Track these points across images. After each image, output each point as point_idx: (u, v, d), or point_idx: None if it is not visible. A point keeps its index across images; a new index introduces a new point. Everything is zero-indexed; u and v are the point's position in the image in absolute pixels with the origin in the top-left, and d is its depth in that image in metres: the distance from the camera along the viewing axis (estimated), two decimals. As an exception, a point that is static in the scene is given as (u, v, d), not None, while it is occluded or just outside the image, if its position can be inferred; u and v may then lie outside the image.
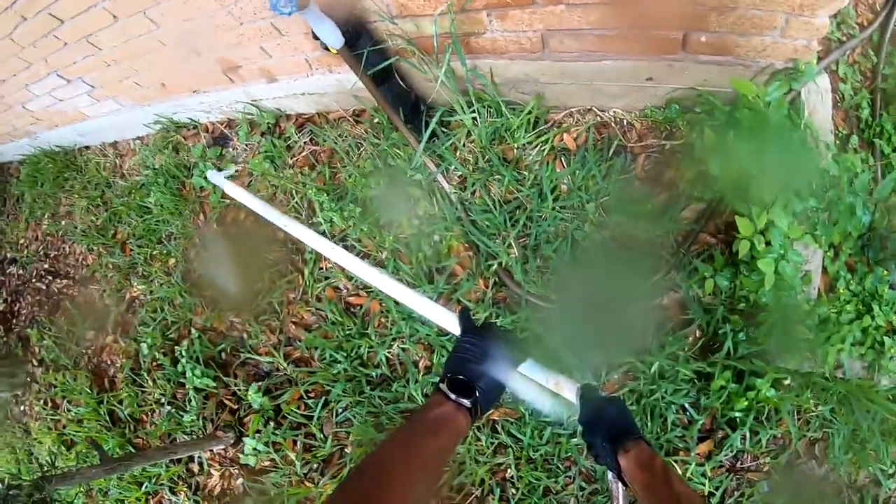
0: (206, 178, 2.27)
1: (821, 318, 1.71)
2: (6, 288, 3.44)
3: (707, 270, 1.73)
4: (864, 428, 1.73)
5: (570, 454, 1.86)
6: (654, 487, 0.86)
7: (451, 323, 1.22)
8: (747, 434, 1.79)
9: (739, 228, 1.52)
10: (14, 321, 3.27)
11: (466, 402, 0.88)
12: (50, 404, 2.82)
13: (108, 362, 2.55)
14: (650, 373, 1.79)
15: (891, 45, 1.94)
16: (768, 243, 1.51)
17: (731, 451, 1.82)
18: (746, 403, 1.72)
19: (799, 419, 1.81)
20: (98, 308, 2.69)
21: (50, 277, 3.03)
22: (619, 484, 1.11)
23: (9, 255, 3.51)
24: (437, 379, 0.96)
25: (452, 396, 0.88)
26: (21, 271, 3.31)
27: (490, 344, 0.98)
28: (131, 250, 2.55)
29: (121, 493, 2.41)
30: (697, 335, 1.82)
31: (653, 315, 1.85)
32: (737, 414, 1.76)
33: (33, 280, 3.17)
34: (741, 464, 1.86)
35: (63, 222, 3.05)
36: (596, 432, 1.00)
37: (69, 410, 2.67)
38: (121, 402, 2.42)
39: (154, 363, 2.30)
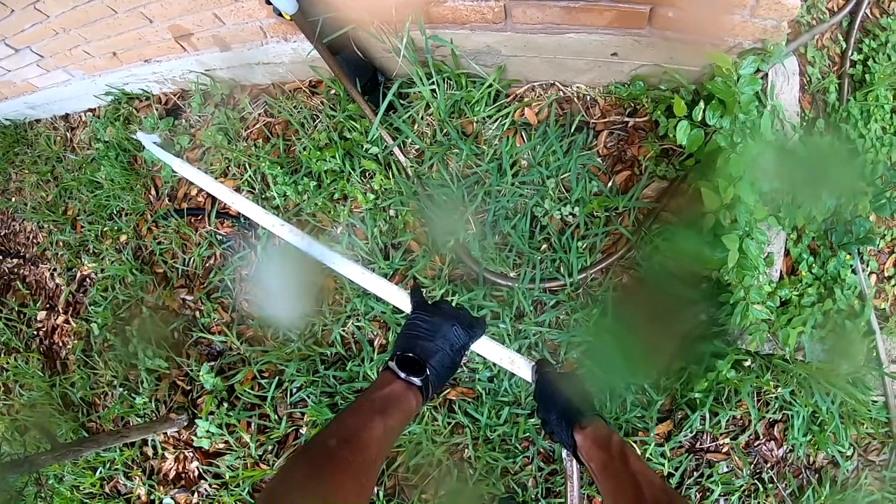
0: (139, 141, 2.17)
1: (782, 301, 1.69)
2: (-43, 270, 3.30)
3: (669, 248, 1.70)
4: (824, 410, 1.77)
5: (528, 434, 1.84)
6: (611, 466, 0.84)
7: (403, 300, 1.17)
8: (707, 415, 1.79)
9: (705, 202, 1.48)
10: (-35, 303, 3.15)
11: (416, 380, 0.85)
12: (2, 389, 2.73)
13: (60, 344, 2.46)
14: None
15: (859, 33, 1.92)
16: (734, 221, 1.47)
17: (691, 432, 1.82)
18: (706, 384, 1.71)
19: (759, 401, 1.81)
20: (49, 288, 2.59)
21: (0, 257, 2.91)
22: (574, 462, 1.07)
23: (-41, 235, 3.37)
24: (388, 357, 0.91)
25: (402, 375, 0.85)
26: (-29, 252, 3.18)
27: (442, 321, 0.94)
28: (82, 227, 2.44)
29: (75, 478, 2.34)
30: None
31: (614, 293, 1.82)
32: (696, 395, 1.76)
33: (-16, 261, 3.04)
34: (700, 444, 1.86)
35: (13, 199, 2.91)
36: (551, 408, 0.97)
37: (21, 395, 2.57)
38: (73, 386, 2.34)
39: (105, 344, 2.22)
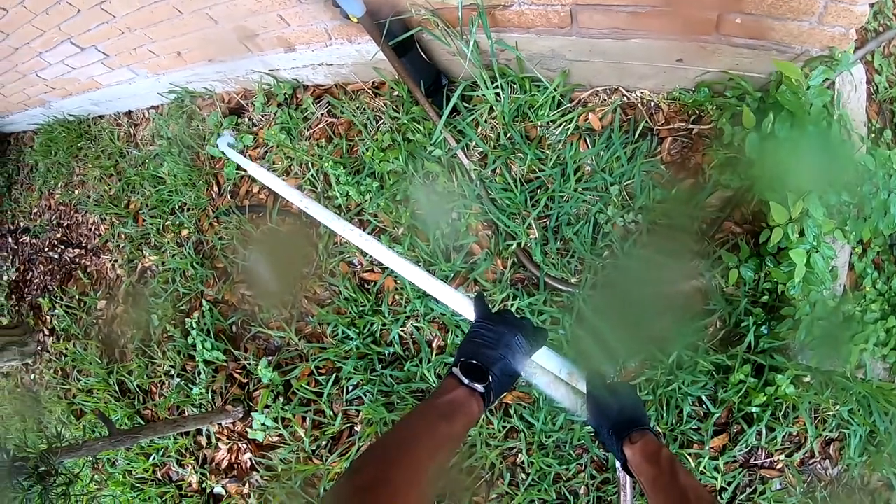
0: (216, 145, 2.23)
1: (845, 316, 1.64)
2: (19, 257, 3.44)
3: (732, 260, 1.67)
4: (882, 431, 1.70)
5: (582, 442, 1.82)
6: (660, 480, 0.84)
7: (466, 307, 1.18)
8: (763, 430, 1.74)
9: (774, 215, 1.45)
10: (26, 290, 3.27)
11: (480, 387, 0.87)
12: (60, 373, 2.82)
13: (119, 333, 2.54)
14: (668, 363, 1.74)
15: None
16: (801, 233, 1.44)
17: (746, 447, 1.77)
18: (764, 399, 1.67)
19: (816, 418, 1.76)
20: (110, 278, 2.67)
21: (62, 247, 3.01)
22: (627, 476, 1.07)
23: (22, 225, 3.50)
24: (451, 362, 0.94)
25: (465, 381, 0.87)
26: (34, 240, 3.30)
27: (505, 330, 0.95)
28: (144, 221, 2.52)
29: (128, 463, 2.40)
30: (718, 326, 1.77)
31: (675, 302, 1.79)
32: (754, 409, 1.72)
33: (46, 249, 3.16)
34: (755, 460, 1.81)
35: (76, 192, 3.02)
36: (602, 421, 0.98)
37: (79, 380, 2.66)
38: (130, 374, 2.41)
39: (164, 335, 2.27)
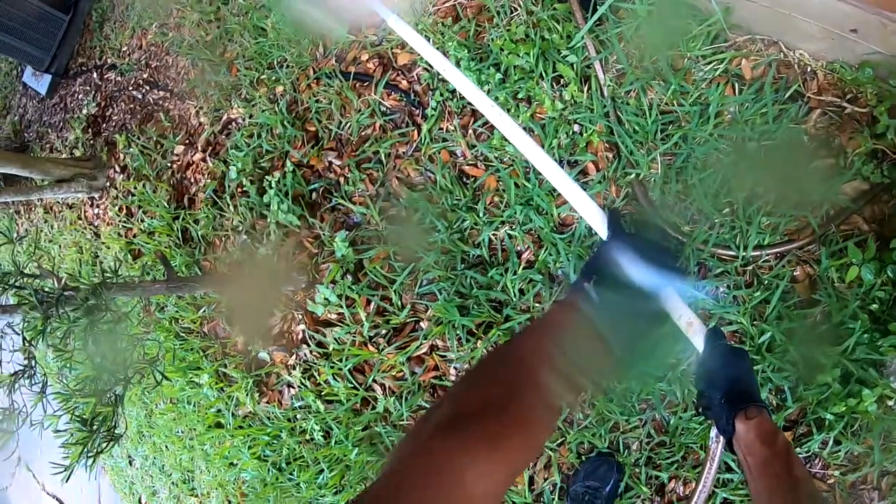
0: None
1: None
2: (101, 92, 3.41)
3: (856, 256, 1.49)
4: None
5: (650, 398, 1.70)
6: (774, 465, 0.77)
7: (596, 220, 1.01)
8: (830, 440, 1.61)
9: None
10: (104, 125, 3.25)
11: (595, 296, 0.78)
12: (124, 212, 2.81)
13: (192, 180, 2.48)
14: (758, 342, 1.59)
15: None
16: None
17: (807, 452, 1.63)
18: (843, 409, 1.52)
19: (884, 445, 1.62)
20: (192, 124, 2.60)
21: (147, 87, 2.95)
22: (720, 446, 0.95)
23: (109, 61, 3.45)
24: (577, 276, 0.85)
25: (597, 300, 0.77)
26: (119, 78, 3.25)
27: (641, 257, 0.84)
28: (238, 71, 2.40)
29: (177, 311, 2.39)
30: (819, 319, 1.60)
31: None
32: (829, 416, 1.57)
33: (130, 88, 3.10)
34: (811, 467, 1.68)
35: (171, 34, 2.92)
36: (716, 386, 0.88)
37: (143, 221, 2.64)
38: (196, 222, 2.36)
39: (240, 189, 2.19)
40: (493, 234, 1.74)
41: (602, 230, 0.96)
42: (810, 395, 1.61)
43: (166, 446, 2.69)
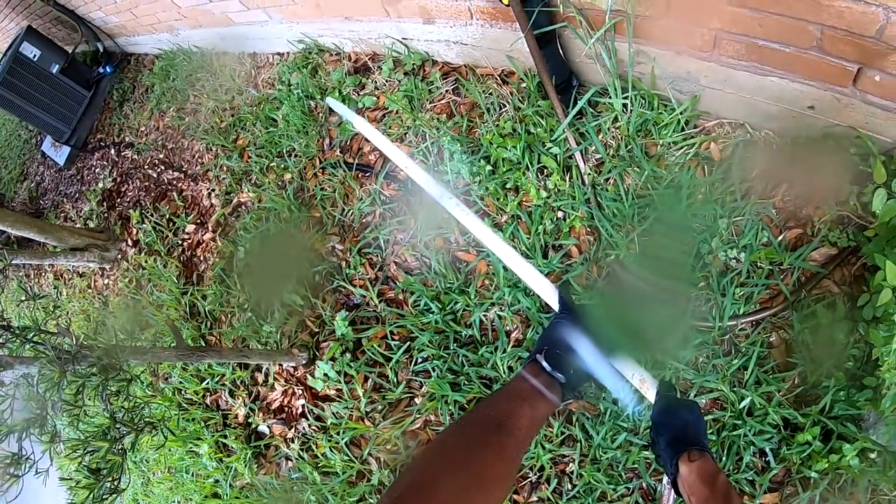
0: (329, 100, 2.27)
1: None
2: (118, 168, 3.61)
3: (826, 318, 1.60)
4: None
5: (636, 466, 1.77)
6: (712, 502, 0.82)
7: (550, 295, 1.14)
8: (816, 498, 1.66)
9: (887, 275, 1.38)
10: (119, 200, 3.43)
11: (561, 376, 0.89)
12: (134, 284, 2.94)
13: (201, 258, 2.62)
14: (738, 407, 1.68)
15: None
16: None
17: None
18: (826, 465, 1.58)
19: (871, 498, 1.66)
20: (203, 205, 2.77)
21: (162, 167, 3.15)
22: (672, 491, 1.04)
23: (127, 139, 3.68)
24: (526, 357, 0.97)
25: (548, 368, 0.89)
26: (136, 156, 3.47)
27: (586, 326, 0.97)
28: (249, 157, 2.60)
29: (181, 382, 2.47)
30: (796, 382, 1.70)
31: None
32: (813, 474, 1.63)
33: (146, 167, 3.30)
34: None
35: (187, 119, 3.15)
36: (663, 431, 0.96)
37: (152, 293, 2.76)
38: (204, 298, 2.48)
39: (247, 269, 2.33)
40: (484, 315, 1.86)
41: (554, 303, 1.08)
42: (793, 454, 1.67)
43: (162, 516, 2.71)
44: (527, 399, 0.84)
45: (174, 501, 2.65)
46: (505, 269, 1.86)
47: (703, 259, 1.78)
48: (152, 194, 3.11)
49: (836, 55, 1.36)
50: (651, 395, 1.10)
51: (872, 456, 1.59)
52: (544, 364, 0.90)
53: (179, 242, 2.76)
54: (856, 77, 1.38)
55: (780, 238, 1.72)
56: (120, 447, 1.78)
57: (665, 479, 1.03)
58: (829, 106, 1.52)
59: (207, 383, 2.35)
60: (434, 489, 0.65)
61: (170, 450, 2.49)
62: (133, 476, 2.93)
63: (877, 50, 1.27)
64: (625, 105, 1.84)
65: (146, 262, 2.84)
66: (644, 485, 1.77)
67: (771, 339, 1.73)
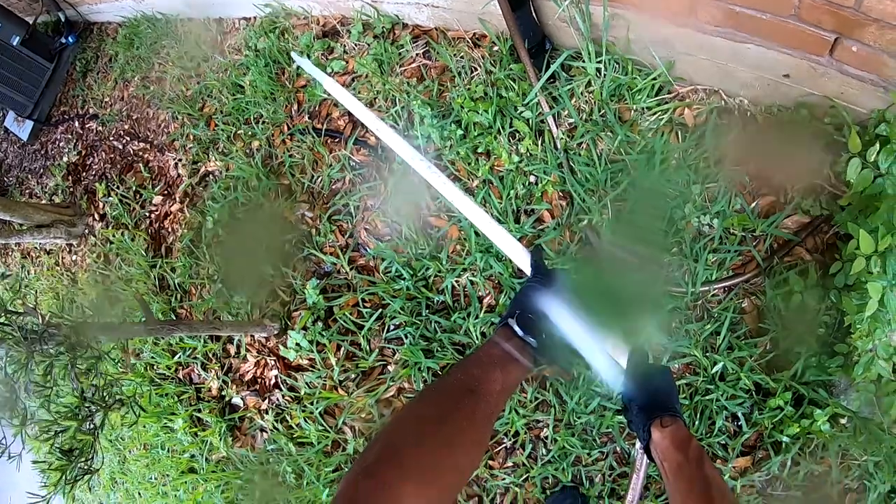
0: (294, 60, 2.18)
1: (896, 367, 1.59)
2: (83, 141, 3.49)
3: (799, 285, 1.61)
4: None
5: (610, 430, 1.79)
6: (686, 469, 0.82)
7: (522, 259, 1.12)
8: (788, 462, 1.69)
9: (860, 244, 1.39)
10: (84, 174, 3.32)
11: (533, 341, 0.88)
12: (102, 259, 2.86)
13: (169, 230, 2.56)
14: (711, 372, 1.70)
15: None
16: (882, 270, 1.38)
17: (767, 475, 1.71)
18: (798, 430, 1.62)
19: (841, 463, 1.71)
20: (170, 176, 2.69)
21: (128, 138, 3.05)
22: (645, 457, 1.04)
23: (91, 111, 3.55)
24: (499, 320, 0.95)
25: (520, 333, 0.88)
26: (100, 128, 3.35)
27: (561, 288, 0.95)
28: (216, 125, 2.52)
29: (153, 357, 2.43)
30: (768, 348, 1.72)
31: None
32: (784, 438, 1.67)
33: (111, 138, 3.20)
34: (772, 490, 1.76)
35: (152, 87, 3.04)
36: (636, 396, 0.95)
37: (120, 268, 2.69)
38: (173, 270, 2.43)
39: (216, 239, 2.28)
40: (456, 281, 1.85)
41: (526, 267, 1.07)
42: (765, 419, 1.70)
43: (139, 493, 2.68)
44: (498, 364, 0.83)
45: (151, 478, 2.63)
46: (477, 234, 1.84)
47: (676, 225, 1.78)
48: (118, 166, 3.01)
49: (813, 24, 1.35)
50: (623, 361, 1.09)
51: (843, 421, 1.63)
52: (516, 328, 0.88)
53: (147, 215, 2.68)
54: (832, 47, 1.37)
55: (753, 205, 1.73)
56: (90, 426, 1.74)
57: (638, 444, 1.03)
58: (804, 75, 1.52)
59: (179, 357, 2.31)
60: (406, 455, 0.64)
61: (144, 426, 2.46)
62: (110, 455, 2.91)
63: (855, 20, 1.26)
64: (598, 69, 1.81)
65: (114, 236, 2.76)
66: (618, 449, 1.79)
67: (743, 305, 1.75)
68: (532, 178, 1.90)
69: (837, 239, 1.59)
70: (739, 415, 1.72)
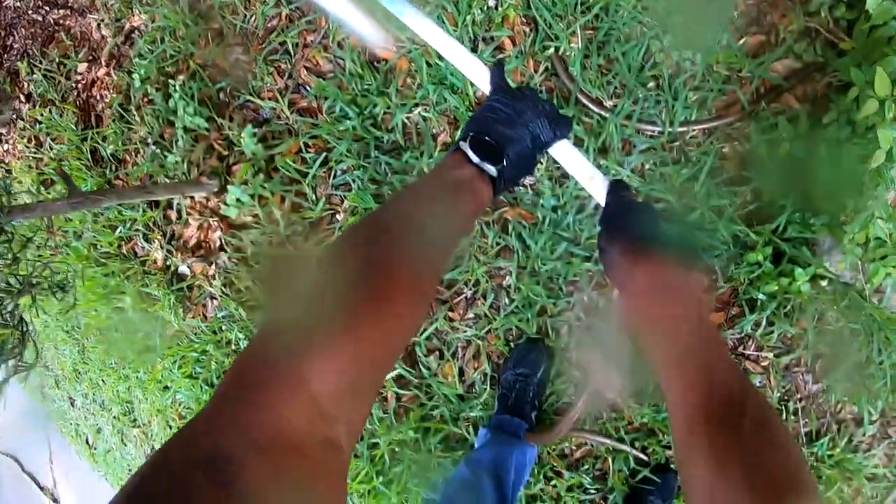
0: None
1: (890, 233, 1.49)
2: (0, 23, 3.13)
3: (788, 132, 1.47)
4: (875, 362, 1.59)
5: (578, 279, 1.69)
6: (686, 321, 0.65)
7: (480, 75, 0.94)
8: (763, 321, 1.62)
9: (877, 85, 1.23)
10: (5, 56, 2.99)
11: (492, 168, 0.71)
12: (33, 142, 2.62)
13: (98, 97, 2.31)
14: (687, 220, 1.58)
15: None
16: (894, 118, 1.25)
17: (740, 333, 1.67)
18: (776, 288, 1.54)
19: (816, 328, 1.64)
20: (94, 39, 2.41)
21: (47, 8, 2.71)
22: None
23: (8, -12, 3.17)
24: (459, 135, 0.76)
25: (475, 159, 0.71)
26: (18, 3, 2.99)
27: (526, 108, 0.76)
28: (137, -27, 2.22)
29: (94, 236, 2.26)
30: (749, 199, 1.60)
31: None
32: (761, 296, 1.59)
33: (29, 12, 2.85)
34: (744, 349, 1.71)
35: (68, -53, 2.68)
36: (616, 235, 0.79)
37: (52, 148, 2.47)
38: (105, 140, 2.22)
39: (145, 98, 2.06)
40: (407, 118, 1.67)
41: (485, 86, 0.88)
42: (741, 274, 1.62)
43: (102, 380, 2.62)
44: (446, 196, 0.68)
45: (111, 363, 2.54)
46: (429, 64, 1.64)
47: (653, 57, 1.61)
48: (39, 40, 2.70)
49: None
50: (599, 195, 0.93)
51: (823, 284, 1.56)
52: (470, 154, 0.71)
53: (73, 86, 2.43)
54: None
55: (741, 42, 1.56)
56: (10, 319, 1.60)
57: (616, 291, 0.89)
58: None
59: (120, 231, 2.15)
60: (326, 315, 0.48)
61: (96, 310, 2.34)
62: (69, 347, 2.81)
63: None
64: None
65: (41, 115, 2.51)
66: (586, 298, 1.70)
67: (724, 151, 1.61)
68: (491, 2, 1.68)
69: (830, 90, 1.47)
70: (716, 267, 1.63)
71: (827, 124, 1.40)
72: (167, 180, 1.96)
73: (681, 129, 1.60)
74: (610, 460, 1.80)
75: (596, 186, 0.92)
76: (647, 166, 1.65)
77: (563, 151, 0.89)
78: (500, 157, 0.72)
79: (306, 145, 1.74)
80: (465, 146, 0.72)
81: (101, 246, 2.23)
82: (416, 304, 0.58)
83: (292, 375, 0.43)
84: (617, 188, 0.88)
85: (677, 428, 0.57)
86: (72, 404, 3.09)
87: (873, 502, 1.77)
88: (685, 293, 0.69)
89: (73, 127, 2.34)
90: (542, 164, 1.62)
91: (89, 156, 2.27)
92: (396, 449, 1.79)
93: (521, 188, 1.67)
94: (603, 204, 0.89)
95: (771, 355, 1.71)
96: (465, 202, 0.69)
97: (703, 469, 0.52)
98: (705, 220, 1.59)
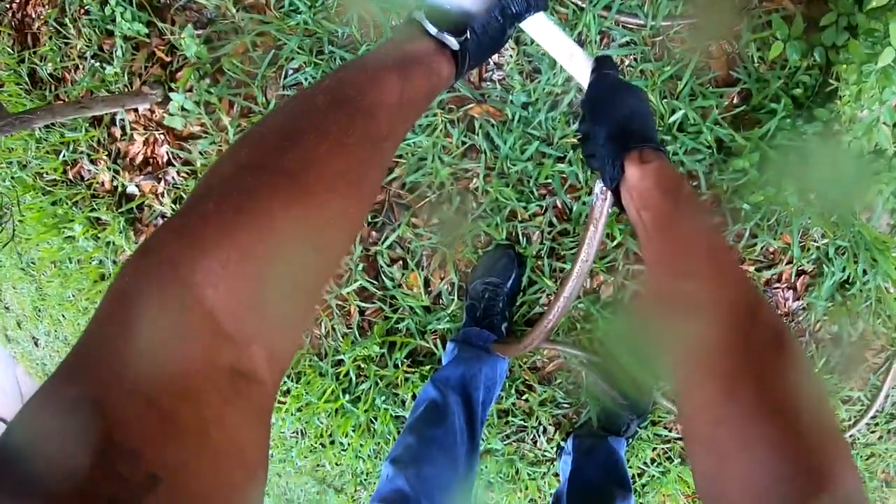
0: None
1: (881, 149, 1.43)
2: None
3: (782, 31, 1.37)
4: (859, 282, 1.57)
5: (550, 181, 1.60)
6: (678, 222, 0.59)
7: None
8: (745, 232, 1.57)
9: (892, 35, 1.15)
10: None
11: (453, 41, 0.59)
12: (-29, 73, 2.45)
13: (33, 16, 2.14)
14: (669, 120, 1.50)
15: None
16: None
17: None
18: (761, 199, 1.47)
19: (801, 243, 1.59)
20: (26, -48, 2.22)
21: (-22, -74, 2.51)
22: (608, 201, 0.78)
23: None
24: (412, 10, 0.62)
25: (433, 31, 0.59)
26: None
27: None
28: None
29: (39, 164, 2.13)
30: (736, 101, 1.52)
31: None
32: (745, 206, 1.52)
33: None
34: None
35: None
36: (602, 121, 0.69)
37: (-10, 78, 2.30)
38: (43, 59, 2.06)
39: (81, 9, 1.90)
40: (363, 8, 1.55)
41: None
42: (725, 181, 1.54)
43: (63, 315, 2.52)
44: (397, 68, 0.54)
45: (69, 296, 2.44)
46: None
47: None
48: (-29, -39, 2.50)
49: None
50: (580, 76, 0.82)
51: (812, 196, 1.49)
52: (426, 24, 0.59)
53: (7, 6, 2.25)
54: None
55: None
56: None
57: (597, 186, 0.78)
58: None
59: (65, 155, 2.01)
60: (225, 203, 0.37)
61: (49, 243, 2.22)
62: (26, 284, 2.70)
63: None
64: None
65: (-24, 41, 2.33)
66: (559, 203, 1.62)
67: (711, 49, 1.50)
68: None
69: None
70: (699, 173, 1.55)
71: (825, 27, 1.31)
72: (108, 94, 1.83)
73: (665, 24, 1.50)
74: (583, 374, 1.76)
75: (577, 65, 0.81)
76: (626, 62, 1.56)
77: (539, 26, 0.78)
78: (463, 28, 0.61)
79: (254, 44, 1.61)
80: (421, 15, 0.60)
81: (47, 173, 2.10)
82: (346, 190, 0.44)
83: (175, 290, 0.33)
84: (602, 66, 0.78)
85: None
86: (35, 344, 3.01)
87: (847, 425, 1.75)
88: (682, 185, 0.62)
89: (10, 50, 2.17)
90: (513, 43, 1.51)
91: (27, 78, 2.11)
92: (362, 365, 1.73)
93: (488, 83, 1.57)
94: (585, 85, 0.79)
95: (752, 269, 1.66)
96: (420, 79, 0.56)
97: (709, 390, 0.45)
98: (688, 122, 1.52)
